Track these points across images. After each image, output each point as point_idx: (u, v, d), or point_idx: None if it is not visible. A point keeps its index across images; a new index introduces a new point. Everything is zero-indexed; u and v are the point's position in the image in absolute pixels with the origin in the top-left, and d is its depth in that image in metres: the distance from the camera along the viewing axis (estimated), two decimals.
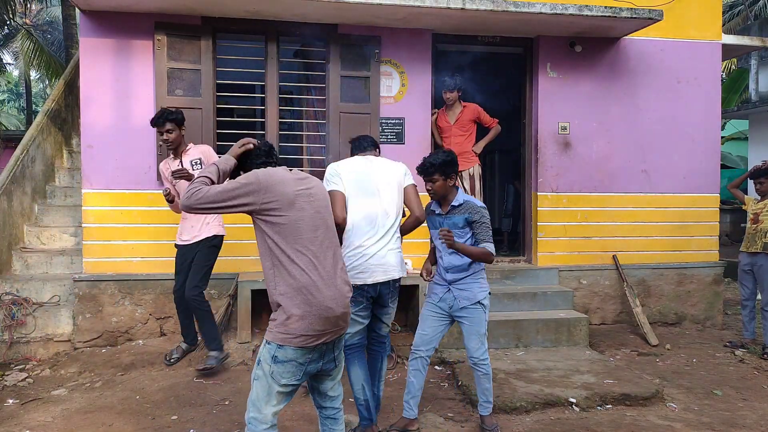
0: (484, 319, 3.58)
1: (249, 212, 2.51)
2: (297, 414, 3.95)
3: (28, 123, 15.81)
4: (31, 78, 21.35)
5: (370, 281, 3.38)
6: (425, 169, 3.49)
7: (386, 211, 3.47)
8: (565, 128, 6.14)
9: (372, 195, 3.46)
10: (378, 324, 3.60)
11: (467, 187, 5.85)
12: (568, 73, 6.15)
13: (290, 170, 2.68)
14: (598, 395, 4.17)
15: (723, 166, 10.72)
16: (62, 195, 6.56)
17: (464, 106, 5.90)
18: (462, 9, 5.21)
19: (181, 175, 4.33)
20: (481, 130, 5.99)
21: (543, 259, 6.14)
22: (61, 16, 12.97)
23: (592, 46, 6.14)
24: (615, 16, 5.48)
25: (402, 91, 5.87)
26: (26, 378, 4.67)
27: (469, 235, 3.51)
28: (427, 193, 3.58)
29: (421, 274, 3.75)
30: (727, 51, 6.88)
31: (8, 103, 31.35)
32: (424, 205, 3.67)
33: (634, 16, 5.54)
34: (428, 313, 3.69)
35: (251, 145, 2.72)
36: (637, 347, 5.60)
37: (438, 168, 3.46)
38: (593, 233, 6.21)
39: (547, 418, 3.97)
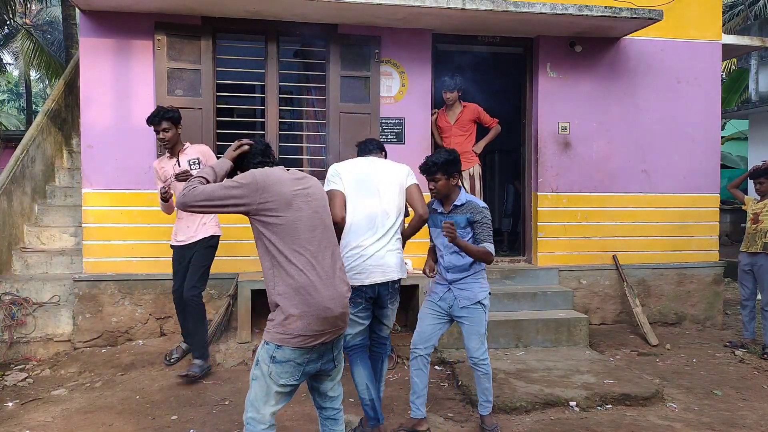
0: (484, 319, 3.58)
1: (245, 212, 2.50)
2: (297, 414, 3.95)
3: (28, 123, 15.81)
4: (31, 78, 21.36)
5: (367, 282, 3.37)
6: (428, 169, 3.49)
7: (386, 211, 3.45)
8: (565, 128, 6.14)
9: (372, 195, 3.45)
10: (378, 325, 3.59)
11: (467, 187, 5.85)
12: (568, 73, 6.15)
13: (287, 170, 2.67)
14: (598, 395, 4.17)
15: (723, 166, 10.73)
16: (62, 195, 6.56)
17: (464, 106, 5.90)
18: (462, 9, 5.21)
19: (185, 177, 4.29)
20: (481, 130, 5.99)
21: (543, 259, 6.14)
22: (61, 16, 12.97)
23: (592, 46, 6.14)
24: (615, 16, 5.48)
25: (402, 91, 5.87)
26: (26, 378, 4.68)
27: (470, 235, 3.51)
28: (430, 193, 3.58)
29: (424, 271, 3.72)
30: (727, 51, 6.88)
31: (8, 103, 31.35)
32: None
33: (634, 16, 5.54)
34: (427, 311, 3.69)
35: (246, 147, 2.72)
36: (637, 347, 5.60)
37: (441, 167, 3.46)
38: (593, 233, 6.21)
39: (547, 418, 3.97)
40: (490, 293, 3.66)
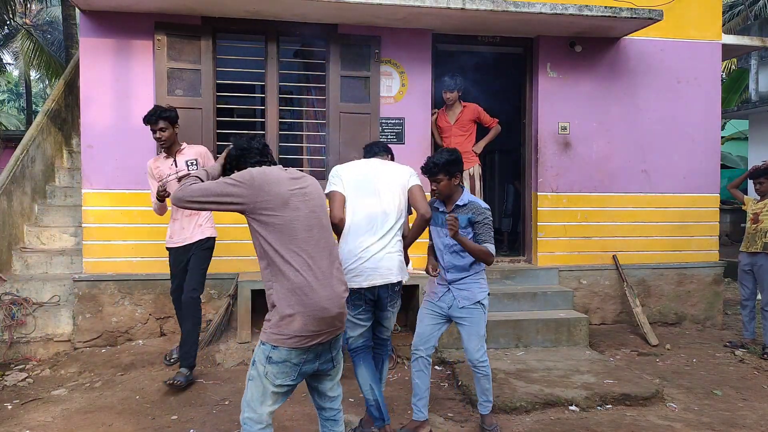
0: (483, 320, 3.57)
1: (242, 211, 2.49)
2: (297, 414, 3.95)
3: (28, 123, 15.81)
4: (31, 78, 21.36)
5: (365, 285, 3.34)
6: (429, 169, 3.47)
7: (385, 211, 3.42)
8: (565, 128, 6.14)
9: (371, 196, 3.43)
10: (378, 328, 3.57)
11: (467, 187, 5.85)
12: (568, 73, 6.15)
13: (285, 169, 2.66)
14: (598, 395, 4.17)
15: (723, 166, 10.73)
16: (62, 195, 6.56)
17: (464, 106, 5.90)
18: (462, 9, 5.21)
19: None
20: (481, 130, 5.99)
21: (543, 259, 6.14)
22: (61, 16, 12.98)
23: (592, 46, 6.14)
24: (615, 16, 5.48)
25: (402, 91, 5.87)
26: (26, 378, 4.68)
27: (470, 236, 3.50)
28: (431, 194, 3.57)
29: (427, 270, 3.69)
30: (727, 51, 6.88)
31: (8, 103, 31.36)
32: None
33: (634, 16, 5.54)
34: (425, 312, 3.68)
35: (234, 150, 2.73)
36: (637, 347, 5.60)
37: (442, 168, 3.44)
38: (593, 233, 6.21)
39: (547, 418, 3.97)
40: (489, 294, 3.65)
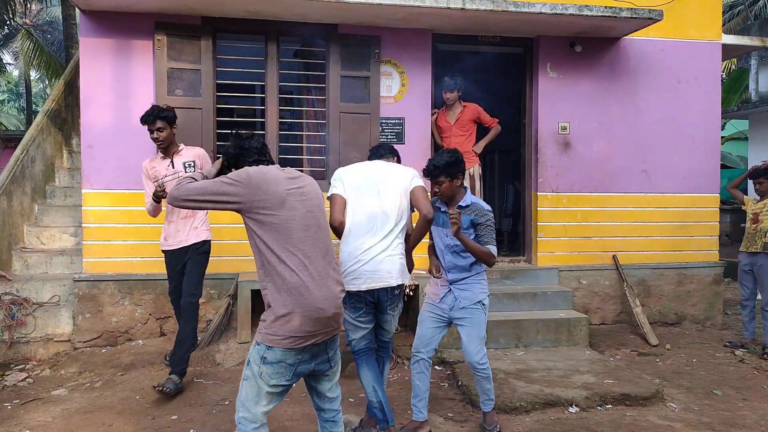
0: (483, 321, 3.56)
1: (238, 210, 2.48)
2: (297, 414, 3.95)
3: (28, 123, 15.82)
4: (31, 78, 21.36)
5: (364, 288, 3.30)
6: (430, 172, 3.45)
7: (386, 212, 3.38)
8: (565, 128, 6.14)
9: (372, 197, 3.40)
10: (379, 330, 3.54)
11: (467, 187, 5.85)
12: (568, 73, 6.15)
13: (283, 169, 2.65)
14: (598, 395, 4.17)
15: (723, 166, 10.73)
16: (62, 195, 6.56)
17: (464, 106, 5.90)
18: (462, 9, 5.21)
19: None
20: (482, 130, 5.99)
21: (543, 259, 6.14)
22: (61, 16, 12.98)
23: (592, 46, 6.14)
24: (615, 16, 5.48)
25: (402, 91, 5.87)
26: (26, 378, 4.68)
27: (472, 237, 3.49)
28: (434, 196, 3.55)
29: (430, 271, 3.67)
30: (727, 51, 6.88)
31: (8, 103, 31.36)
32: None
33: (634, 16, 5.55)
34: (427, 314, 3.68)
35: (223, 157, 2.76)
36: (637, 347, 5.60)
37: (443, 170, 3.42)
38: (593, 233, 6.21)
39: (547, 418, 3.97)
40: (489, 295, 3.64)
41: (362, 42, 5.72)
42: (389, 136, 5.82)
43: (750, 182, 5.75)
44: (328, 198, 3.45)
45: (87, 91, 5.34)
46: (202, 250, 4.43)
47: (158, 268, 5.26)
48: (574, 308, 5.81)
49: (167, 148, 4.40)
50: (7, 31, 16.85)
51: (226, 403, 4.14)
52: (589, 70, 6.18)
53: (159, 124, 4.29)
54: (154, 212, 4.40)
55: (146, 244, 5.36)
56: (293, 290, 2.44)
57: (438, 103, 6.11)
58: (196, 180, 2.57)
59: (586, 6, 5.41)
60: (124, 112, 5.36)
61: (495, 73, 6.86)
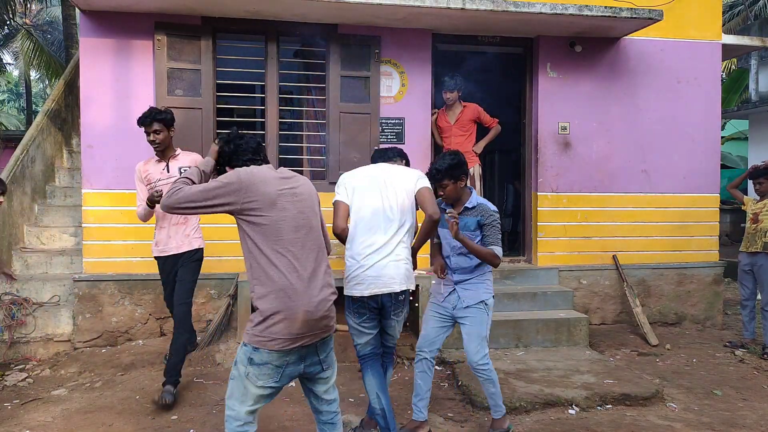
0: (485, 321, 3.54)
1: (230, 212, 2.47)
2: (297, 414, 3.95)
3: (28, 123, 15.82)
4: (31, 78, 21.36)
5: (366, 293, 3.25)
6: (433, 176, 3.43)
7: (389, 212, 3.34)
8: (565, 128, 6.14)
9: (374, 197, 3.36)
10: (383, 335, 3.50)
11: (472, 188, 5.84)
12: (568, 73, 6.15)
13: (276, 169, 2.62)
14: (598, 395, 4.17)
15: (723, 166, 10.73)
16: (62, 195, 6.56)
17: (464, 106, 5.90)
18: (462, 9, 5.21)
19: None
20: (482, 130, 5.99)
21: (543, 259, 6.14)
22: (61, 16, 12.98)
23: (592, 46, 6.14)
24: (615, 16, 5.48)
25: (402, 91, 5.87)
26: (26, 378, 4.68)
27: (479, 238, 3.48)
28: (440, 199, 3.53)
29: (435, 271, 3.64)
30: (727, 51, 6.88)
31: (8, 103, 31.36)
32: None
33: (634, 16, 5.54)
34: (431, 314, 3.67)
35: (222, 141, 2.71)
36: (637, 347, 5.60)
37: (446, 173, 3.40)
38: (593, 233, 6.21)
39: (547, 418, 3.97)
40: (494, 296, 3.62)
41: (362, 42, 5.72)
42: (389, 136, 5.82)
43: (750, 182, 5.75)
44: (333, 204, 3.43)
45: (87, 91, 5.34)
46: (195, 258, 4.32)
47: (158, 268, 5.27)
48: (574, 308, 5.81)
49: (164, 152, 4.27)
50: (7, 31, 16.85)
51: None
52: (589, 70, 6.18)
53: (156, 126, 4.15)
54: (146, 217, 4.30)
55: (146, 244, 5.33)
56: (280, 292, 2.42)
57: (438, 103, 6.11)
58: (191, 180, 2.55)
59: (586, 6, 5.41)
60: (124, 112, 5.36)
61: (495, 73, 6.85)
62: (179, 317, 4.25)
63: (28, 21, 19.58)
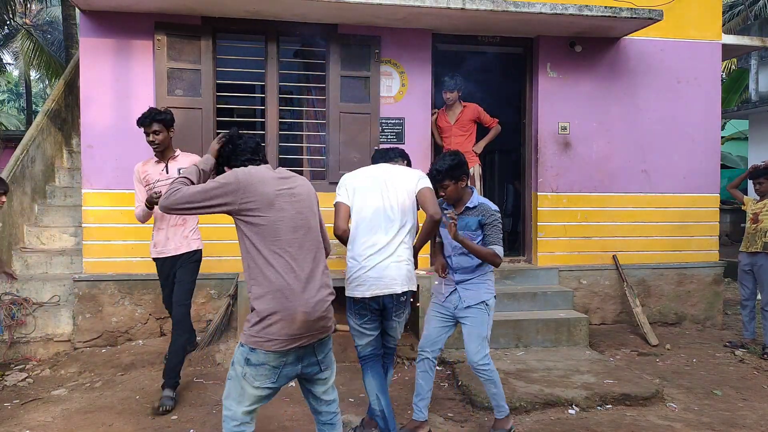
0: (486, 321, 3.53)
1: (228, 212, 2.47)
2: (297, 414, 3.95)
3: (28, 123, 15.82)
4: (31, 78, 21.37)
5: (368, 295, 3.24)
6: (433, 177, 3.42)
7: (389, 211, 3.33)
8: (565, 128, 6.14)
9: (375, 197, 3.35)
10: (384, 336, 3.50)
11: (474, 187, 5.84)
12: (568, 73, 6.15)
13: (274, 169, 2.61)
14: (598, 395, 4.17)
15: (723, 166, 10.73)
16: (62, 195, 6.56)
17: (464, 106, 5.90)
18: (462, 9, 5.21)
19: None
20: (482, 130, 5.99)
21: (543, 259, 6.14)
22: (61, 16, 12.98)
23: (592, 46, 6.14)
24: (615, 16, 5.48)
25: (402, 91, 5.87)
26: (26, 378, 4.67)
27: (480, 238, 3.48)
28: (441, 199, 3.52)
29: (436, 270, 3.64)
30: (727, 51, 6.88)
31: (8, 103, 31.36)
32: None
33: (634, 16, 5.55)
34: (433, 314, 3.67)
35: (224, 139, 2.71)
36: (637, 347, 5.60)
37: (446, 174, 3.40)
38: (593, 233, 6.21)
39: (547, 418, 3.97)
40: (495, 297, 3.62)
41: (362, 42, 5.72)
42: (389, 136, 5.82)
43: (750, 182, 5.75)
44: (334, 205, 3.43)
45: (87, 91, 5.34)
46: (193, 259, 4.29)
47: (156, 269, 5.26)
48: (574, 308, 5.81)
49: (163, 152, 4.24)
50: (7, 31, 16.86)
51: None
52: (589, 70, 6.18)
53: (155, 126, 4.12)
54: (145, 218, 4.27)
55: (146, 244, 5.29)
56: (277, 292, 2.42)
57: (438, 103, 6.11)
58: (189, 180, 2.55)
59: (586, 6, 5.41)
60: (124, 112, 5.36)
61: (495, 73, 6.86)
62: (178, 318, 4.22)
63: (28, 21, 19.58)
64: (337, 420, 2.74)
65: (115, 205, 5.36)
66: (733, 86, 15.58)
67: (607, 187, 6.23)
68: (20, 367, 4.94)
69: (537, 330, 5.31)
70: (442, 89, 5.88)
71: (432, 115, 6.01)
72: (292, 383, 3.81)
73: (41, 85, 26.87)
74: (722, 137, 11.78)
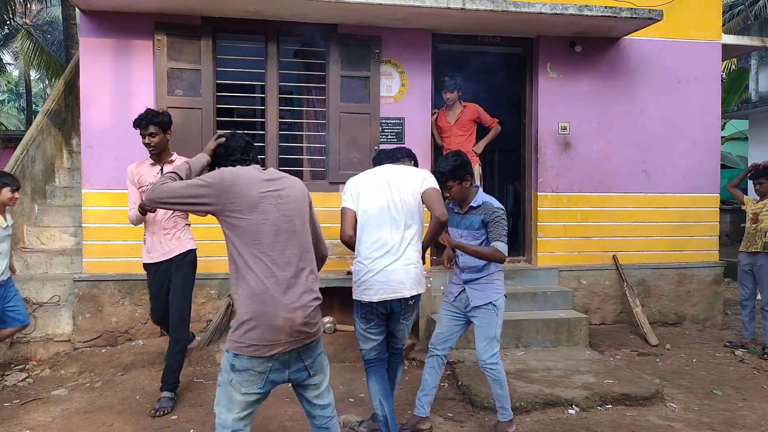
0: (494, 321, 3.52)
1: (212, 212, 2.42)
2: (297, 414, 3.95)
3: (28, 123, 15.82)
4: (31, 78, 21.37)
5: (375, 299, 3.21)
6: (437, 178, 3.42)
7: (394, 217, 3.29)
8: (565, 128, 6.14)
9: (380, 197, 3.33)
10: (392, 338, 3.49)
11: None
12: (568, 73, 6.15)
13: (263, 170, 2.56)
14: (598, 395, 4.17)
15: (723, 166, 10.73)
16: (62, 195, 6.56)
17: (464, 106, 5.90)
18: (462, 9, 5.21)
19: None
20: (482, 130, 5.99)
21: (543, 259, 6.14)
22: (61, 16, 12.99)
23: (592, 46, 6.14)
24: (615, 16, 5.48)
25: (402, 91, 5.87)
26: (26, 378, 4.68)
27: (484, 237, 3.47)
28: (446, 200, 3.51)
29: (442, 261, 3.63)
30: (727, 51, 6.88)
31: (8, 103, 31.37)
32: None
33: (634, 16, 5.55)
34: (444, 313, 3.68)
35: (223, 139, 2.67)
36: (637, 347, 5.60)
37: (450, 175, 3.39)
38: (593, 233, 6.21)
39: (547, 418, 3.97)
40: (505, 296, 3.60)
41: (362, 42, 5.72)
42: (389, 136, 5.82)
43: (750, 182, 5.74)
44: (340, 211, 3.41)
45: (87, 91, 5.34)
46: (187, 260, 4.16)
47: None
48: (574, 308, 5.81)
49: (159, 155, 4.17)
50: (7, 31, 16.86)
51: None
52: (589, 70, 6.18)
53: (152, 129, 4.04)
54: (138, 221, 4.16)
55: None
56: (256, 297, 2.36)
57: (438, 104, 6.11)
58: (177, 175, 2.52)
59: (586, 6, 5.41)
60: (124, 112, 5.35)
61: (495, 73, 6.85)
62: (175, 324, 4.11)
63: (28, 21, 19.59)
64: (332, 424, 2.67)
65: (115, 205, 5.35)
66: (733, 86, 15.58)
67: (607, 187, 6.23)
68: (20, 367, 4.94)
69: (537, 330, 5.31)
70: (442, 89, 5.87)
71: (432, 115, 6.00)
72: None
73: (41, 85, 26.88)
74: (722, 137, 11.77)
